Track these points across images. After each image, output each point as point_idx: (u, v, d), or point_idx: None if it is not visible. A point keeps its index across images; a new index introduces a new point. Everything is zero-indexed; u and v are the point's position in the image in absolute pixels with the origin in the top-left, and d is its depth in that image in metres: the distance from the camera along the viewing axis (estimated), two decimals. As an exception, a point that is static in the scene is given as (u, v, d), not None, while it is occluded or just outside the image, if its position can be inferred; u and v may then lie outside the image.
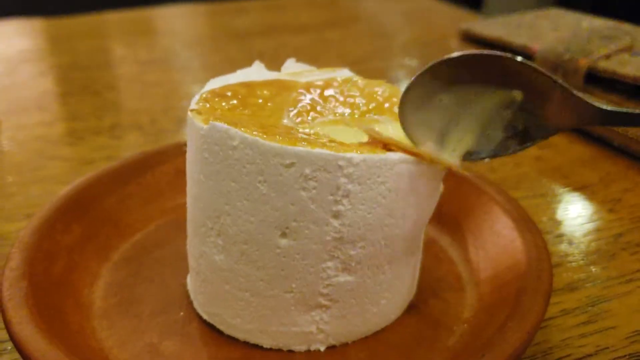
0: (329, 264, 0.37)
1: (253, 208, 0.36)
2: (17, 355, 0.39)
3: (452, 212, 0.50)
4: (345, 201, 0.35)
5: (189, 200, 0.40)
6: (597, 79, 0.68)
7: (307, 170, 0.34)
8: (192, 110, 0.38)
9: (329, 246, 0.36)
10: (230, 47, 1.15)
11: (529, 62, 0.34)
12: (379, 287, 0.39)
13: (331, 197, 0.35)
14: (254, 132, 0.35)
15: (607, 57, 0.68)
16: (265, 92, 0.42)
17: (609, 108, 0.33)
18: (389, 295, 0.40)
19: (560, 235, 0.52)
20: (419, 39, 1.19)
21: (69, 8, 1.34)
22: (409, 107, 0.37)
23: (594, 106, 0.33)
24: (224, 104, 0.39)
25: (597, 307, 0.43)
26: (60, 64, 1.05)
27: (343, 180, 0.34)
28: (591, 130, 0.69)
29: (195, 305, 0.42)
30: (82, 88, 0.92)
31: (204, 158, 0.37)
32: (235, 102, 0.40)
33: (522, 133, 0.36)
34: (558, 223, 0.54)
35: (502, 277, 0.42)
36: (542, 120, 0.35)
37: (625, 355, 0.39)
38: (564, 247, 0.50)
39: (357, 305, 0.39)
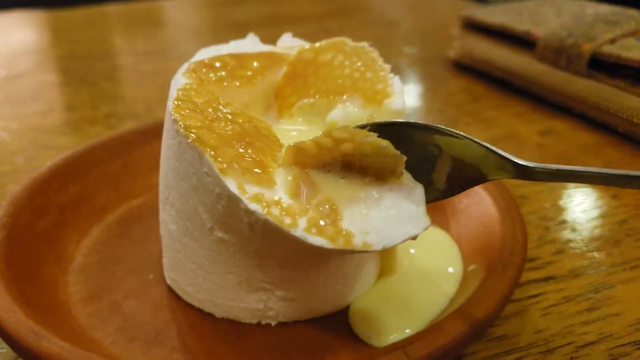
0: (266, 261, 0.36)
1: (189, 193, 0.36)
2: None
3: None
4: (254, 236, 0.33)
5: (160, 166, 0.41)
6: (601, 64, 0.67)
7: (217, 190, 0.33)
8: (179, 92, 0.37)
9: (257, 253, 0.35)
10: (230, 37, 1.13)
11: (444, 128, 0.34)
12: (332, 276, 0.38)
13: (242, 225, 0.33)
14: (192, 129, 0.34)
15: (612, 41, 0.66)
16: (255, 64, 0.40)
17: (525, 163, 0.32)
18: (347, 282, 0.39)
19: (563, 222, 0.51)
20: (420, 27, 1.18)
21: (70, 0, 1.33)
22: None
23: (511, 160, 0.32)
24: (211, 75, 0.39)
25: (601, 294, 0.42)
26: (58, 55, 1.04)
27: (247, 220, 0.33)
28: (595, 116, 0.68)
29: (164, 269, 0.43)
30: (78, 78, 0.91)
31: (166, 130, 0.38)
32: (223, 73, 0.39)
33: (447, 184, 0.35)
34: (561, 210, 0.53)
35: (477, 254, 0.41)
36: (464, 173, 0.34)
37: (629, 343, 0.38)
38: (566, 233, 0.49)
39: (307, 292, 0.38)
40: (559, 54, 0.71)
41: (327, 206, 0.31)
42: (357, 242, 0.31)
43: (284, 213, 0.31)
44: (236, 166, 0.32)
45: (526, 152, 0.63)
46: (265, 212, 0.31)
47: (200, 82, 0.38)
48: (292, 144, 0.33)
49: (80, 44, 1.09)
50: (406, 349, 0.31)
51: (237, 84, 0.39)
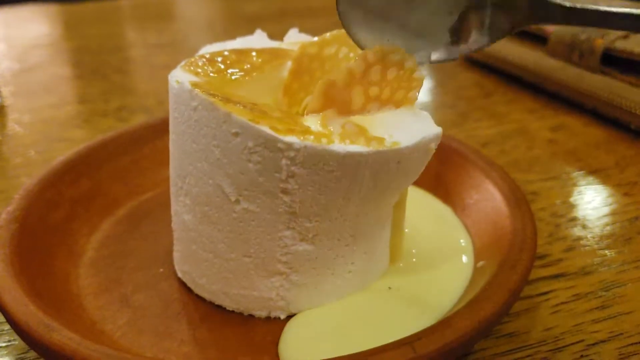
0: (286, 233, 0.36)
1: (210, 171, 0.36)
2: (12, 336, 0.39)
3: (444, 184, 0.50)
4: (292, 181, 0.34)
5: (170, 159, 0.41)
6: (614, 60, 0.66)
7: (250, 144, 0.33)
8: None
9: (283, 217, 0.35)
10: (241, 31, 1.13)
11: None
12: (343, 259, 0.38)
13: (277, 175, 0.34)
14: (213, 96, 0.34)
15: (625, 37, 0.66)
16: (255, 58, 0.40)
17: (566, 3, 0.31)
18: (355, 268, 0.39)
19: (574, 219, 0.50)
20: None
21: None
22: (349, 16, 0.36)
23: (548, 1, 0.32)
24: (208, 68, 0.39)
25: (611, 292, 0.42)
26: (70, 48, 1.05)
27: (285, 161, 0.33)
28: (607, 112, 0.67)
29: (174, 263, 0.43)
30: (90, 71, 0.91)
31: (174, 118, 0.38)
32: (222, 67, 0.39)
33: (476, 31, 0.34)
34: (571, 206, 0.53)
35: (486, 250, 0.41)
36: (497, 18, 0.33)
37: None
38: (577, 231, 0.49)
39: (320, 275, 0.38)
40: (572, 49, 0.70)
41: (353, 126, 0.35)
42: (387, 142, 0.34)
43: (319, 137, 0.33)
44: (267, 112, 0.34)
45: (537, 148, 0.63)
46: (302, 139, 0.33)
47: (196, 73, 0.38)
48: (323, 79, 0.36)
49: (92, 37, 1.09)
50: (414, 344, 0.31)
51: (233, 77, 0.39)
